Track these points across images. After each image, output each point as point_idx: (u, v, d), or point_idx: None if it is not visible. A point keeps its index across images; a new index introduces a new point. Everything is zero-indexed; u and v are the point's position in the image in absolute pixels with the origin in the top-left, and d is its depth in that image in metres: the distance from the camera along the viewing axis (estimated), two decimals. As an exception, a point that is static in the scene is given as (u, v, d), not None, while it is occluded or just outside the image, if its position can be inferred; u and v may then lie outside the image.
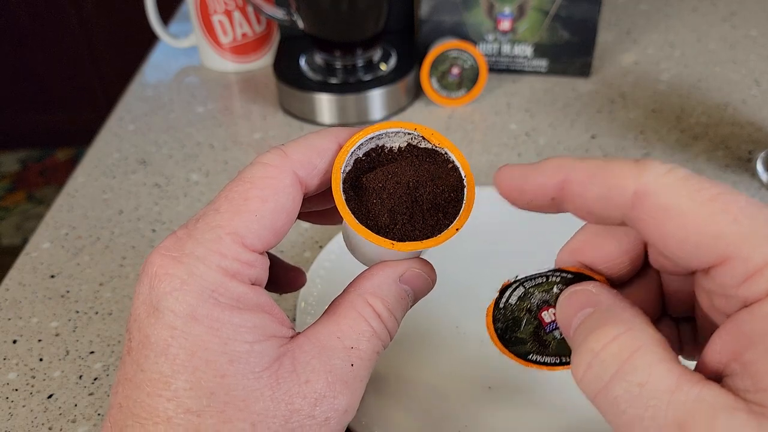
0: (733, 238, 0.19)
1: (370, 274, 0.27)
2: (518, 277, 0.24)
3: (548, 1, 0.63)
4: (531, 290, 0.24)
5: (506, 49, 0.66)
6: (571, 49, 0.65)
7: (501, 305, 0.25)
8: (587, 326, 0.21)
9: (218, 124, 0.64)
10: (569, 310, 0.23)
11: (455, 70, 0.62)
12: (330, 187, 0.26)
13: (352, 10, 0.59)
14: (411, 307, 0.28)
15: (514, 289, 0.24)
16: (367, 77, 0.62)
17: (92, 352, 0.42)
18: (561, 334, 0.24)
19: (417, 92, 0.65)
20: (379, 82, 0.61)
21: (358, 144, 0.27)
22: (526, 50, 0.66)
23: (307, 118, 0.63)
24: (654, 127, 0.60)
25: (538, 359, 0.25)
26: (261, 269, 0.25)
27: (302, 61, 0.65)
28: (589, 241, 0.24)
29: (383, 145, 0.27)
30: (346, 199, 0.26)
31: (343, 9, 0.59)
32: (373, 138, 0.27)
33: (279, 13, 0.62)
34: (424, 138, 0.27)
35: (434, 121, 0.62)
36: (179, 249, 0.24)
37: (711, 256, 0.19)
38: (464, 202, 0.26)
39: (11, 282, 0.47)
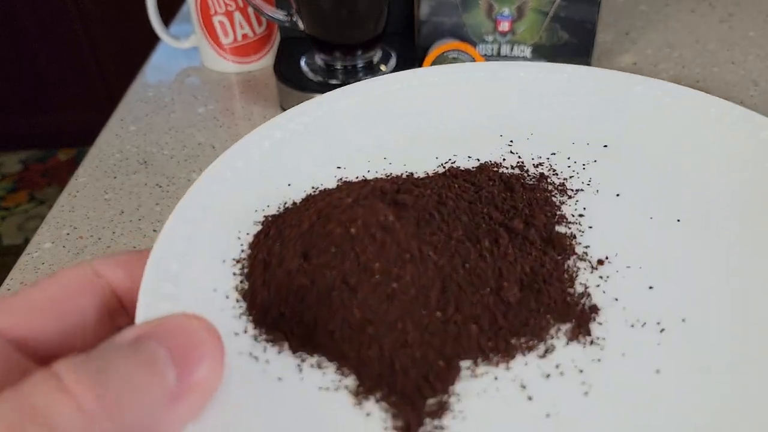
0: None
1: None
2: None
3: (547, 2, 0.63)
4: None
5: (505, 50, 0.66)
6: (570, 49, 0.65)
7: None
8: None
9: (219, 124, 0.64)
10: None
11: (455, 71, 0.62)
12: None
13: (352, 11, 0.60)
14: None
15: None
16: (367, 78, 0.62)
17: (94, 351, 0.42)
18: None
19: (417, 93, 0.65)
20: (378, 83, 0.62)
21: None
22: (526, 51, 0.66)
23: (308, 118, 0.63)
24: (652, 127, 0.60)
25: None
26: None
27: (303, 62, 0.65)
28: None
29: None
30: None
31: (344, 11, 0.59)
32: None
33: (279, 14, 0.62)
34: None
35: (434, 121, 0.62)
36: None
37: None
38: None
39: (13, 282, 0.47)
